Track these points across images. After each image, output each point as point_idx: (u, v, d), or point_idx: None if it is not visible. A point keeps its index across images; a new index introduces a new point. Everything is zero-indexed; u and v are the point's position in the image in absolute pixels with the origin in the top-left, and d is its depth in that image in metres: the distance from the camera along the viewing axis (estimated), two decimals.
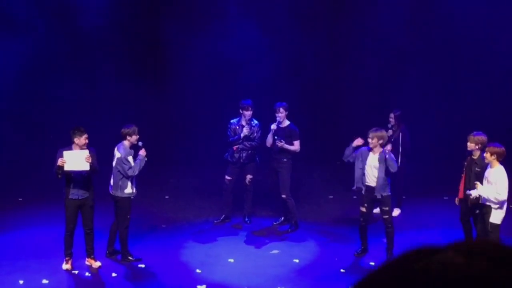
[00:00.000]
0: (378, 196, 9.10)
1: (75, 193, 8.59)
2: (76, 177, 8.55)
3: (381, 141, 9.03)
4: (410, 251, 0.99)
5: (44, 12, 13.21)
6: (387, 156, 8.93)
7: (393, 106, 11.46)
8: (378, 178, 9.02)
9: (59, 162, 8.31)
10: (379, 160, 9.00)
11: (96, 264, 8.96)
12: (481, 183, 8.43)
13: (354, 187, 9.35)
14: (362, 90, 14.29)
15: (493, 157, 8.10)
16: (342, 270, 8.90)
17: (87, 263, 8.97)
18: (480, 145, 8.57)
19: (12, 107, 13.37)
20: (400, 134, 10.98)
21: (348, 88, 14.47)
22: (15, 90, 13.42)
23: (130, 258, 9.16)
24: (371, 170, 9.07)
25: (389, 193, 9.18)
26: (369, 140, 9.00)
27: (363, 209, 9.28)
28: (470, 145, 8.64)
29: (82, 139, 8.42)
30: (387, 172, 9.01)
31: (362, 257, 9.35)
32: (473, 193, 8.24)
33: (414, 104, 13.39)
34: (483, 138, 8.60)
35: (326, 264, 9.15)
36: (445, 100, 14.14)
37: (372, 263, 9.12)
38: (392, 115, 11.05)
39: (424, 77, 14.25)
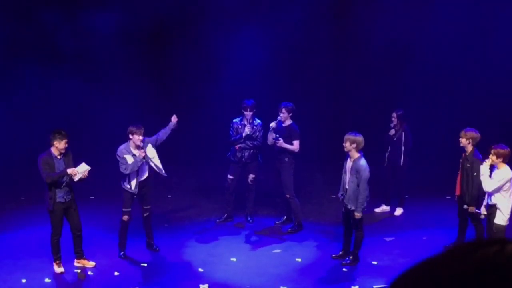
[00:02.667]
0: (347, 205, 8.77)
1: (62, 196, 8.53)
2: (60, 180, 8.49)
3: (354, 145, 8.56)
4: (456, 246, 1.01)
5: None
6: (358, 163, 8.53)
7: (395, 105, 11.45)
8: (348, 187, 8.72)
9: (72, 171, 8.29)
10: (351, 168, 8.67)
11: (90, 264, 8.94)
12: (471, 178, 8.67)
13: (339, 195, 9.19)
14: (365, 89, 14.28)
15: (499, 159, 8.14)
16: (344, 270, 8.89)
17: (77, 264, 8.93)
18: (471, 140, 8.76)
19: (14, 107, 13.40)
20: (403, 133, 10.97)
21: (351, 87, 14.46)
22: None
23: (122, 253, 9.24)
24: (345, 176, 8.86)
25: (355, 209, 8.69)
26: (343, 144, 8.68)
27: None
28: (462, 141, 8.84)
29: (62, 144, 8.37)
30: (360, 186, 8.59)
31: (365, 256, 9.33)
32: (482, 168, 8.28)
33: (416, 104, 13.37)
34: (474, 134, 8.79)
35: (328, 263, 9.14)
36: (448, 99, 14.12)
37: (375, 263, 9.11)
38: (394, 114, 11.04)
39: (427, 77, 14.23)
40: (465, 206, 8.84)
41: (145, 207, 9.30)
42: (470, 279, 0.94)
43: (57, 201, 8.50)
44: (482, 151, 8.70)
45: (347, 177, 8.79)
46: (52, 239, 8.66)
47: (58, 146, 8.37)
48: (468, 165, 8.80)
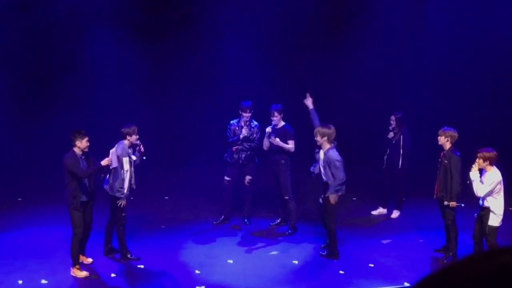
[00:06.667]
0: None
1: (86, 195, 8.59)
2: (86, 180, 8.58)
3: (325, 138, 8.85)
4: (472, 255, 1.05)
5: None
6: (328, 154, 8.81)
7: (394, 108, 11.45)
8: (328, 177, 8.93)
9: (108, 161, 8.55)
10: (324, 160, 8.92)
11: (88, 260, 8.96)
12: (449, 174, 8.82)
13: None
14: (363, 92, 14.29)
15: (486, 162, 8.25)
16: (341, 272, 8.89)
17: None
18: (449, 138, 8.96)
19: (11, 108, 13.39)
20: (401, 136, 10.97)
21: (349, 89, 14.46)
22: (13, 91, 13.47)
23: (128, 256, 9.16)
24: (322, 169, 9.04)
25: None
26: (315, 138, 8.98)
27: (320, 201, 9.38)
28: (440, 139, 9.03)
29: (83, 142, 8.42)
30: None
31: (362, 259, 9.33)
32: (471, 174, 8.33)
33: (415, 106, 13.39)
34: (452, 132, 9.00)
35: (325, 265, 9.14)
36: (446, 102, 14.14)
37: (372, 265, 9.11)
38: (393, 117, 11.05)
39: (426, 79, 14.25)
40: (446, 202, 8.92)
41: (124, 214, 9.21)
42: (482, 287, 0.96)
43: (82, 201, 8.54)
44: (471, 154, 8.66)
45: (323, 169, 9.02)
46: (75, 240, 8.53)
47: (81, 145, 8.42)
48: (446, 161, 8.96)
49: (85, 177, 8.49)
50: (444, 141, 8.99)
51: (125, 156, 8.85)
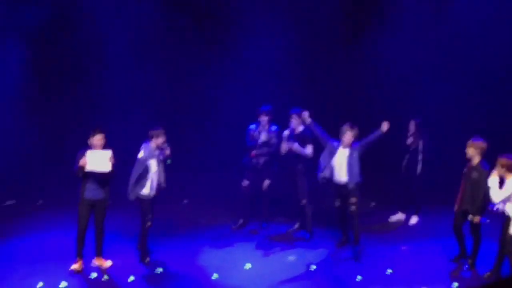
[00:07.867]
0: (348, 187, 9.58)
1: (90, 193, 8.71)
2: (94, 177, 8.67)
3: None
4: None
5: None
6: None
7: (413, 113, 11.40)
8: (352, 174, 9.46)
9: (81, 162, 8.47)
10: (349, 154, 9.47)
11: (107, 263, 9.05)
12: (479, 190, 8.56)
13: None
14: (382, 97, 14.23)
15: (503, 169, 8.07)
16: (359, 277, 8.86)
17: (96, 262, 9.06)
18: (479, 150, 8.64)
19: (30, 106, 13.52)
20: (420, 142, 10.92)
21: (367, 94, 14.41)
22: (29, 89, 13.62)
23: (147, 260, 9.23)
24: (343, 167, 9.49)
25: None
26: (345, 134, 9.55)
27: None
28: (469, 151, 8.68)
29: (94, 140, 8.63)
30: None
31: (379, 265, 9.31)
32: (489, 180, 8.20)
33: (435, 112, 13.30)
34: (482, 144, 8.66)
35: (343, 271, 9.12)
36: (468, 108, 14.02)
37: (390, 271, 9.08)
38: (412, 122, 11.01)
39: (445, 84, 14.16)
40: (470, 217, 8.78)
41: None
42: None
43: (84, 197, 8.67)
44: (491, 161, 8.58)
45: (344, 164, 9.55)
46: (77, 234, 8.80)
47: (91, 142, 8.63)
48: (475, 174, 8.67)
49: (76, 175, 8.59)
50: (474, 154, 8.67)
51: (152, 158, 8.93)
